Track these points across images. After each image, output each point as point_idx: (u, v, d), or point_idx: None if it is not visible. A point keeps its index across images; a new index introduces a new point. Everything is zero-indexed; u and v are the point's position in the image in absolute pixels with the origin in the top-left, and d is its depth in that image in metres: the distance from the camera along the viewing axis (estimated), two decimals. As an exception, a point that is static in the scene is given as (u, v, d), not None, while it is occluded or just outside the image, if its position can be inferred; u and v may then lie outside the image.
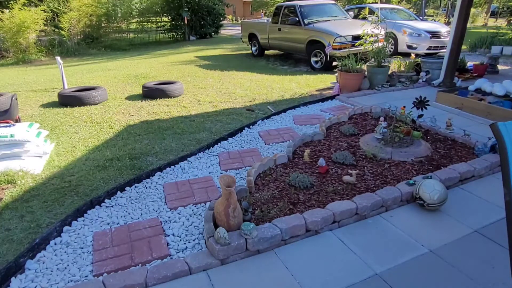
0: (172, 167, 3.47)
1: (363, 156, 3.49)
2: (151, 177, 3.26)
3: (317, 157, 3.44)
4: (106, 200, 2.86)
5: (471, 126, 4.32)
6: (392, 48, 10.26)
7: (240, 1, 41.43)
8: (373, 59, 6.56)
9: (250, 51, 11.82)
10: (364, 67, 6.56)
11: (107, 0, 15.58)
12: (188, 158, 3.64)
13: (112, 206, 2.80)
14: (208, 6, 18.36)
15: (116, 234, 2.44)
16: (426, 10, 29.33)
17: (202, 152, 3.80)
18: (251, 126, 4.61)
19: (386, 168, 3.25)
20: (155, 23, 19.72)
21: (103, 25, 16.34)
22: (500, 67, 7.96)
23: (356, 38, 7.71)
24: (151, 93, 6.17)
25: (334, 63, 8.28)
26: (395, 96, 5.85)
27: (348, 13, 10.50)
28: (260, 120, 4.79)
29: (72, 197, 2.98)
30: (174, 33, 18.70)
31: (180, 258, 2.18)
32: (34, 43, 12.51)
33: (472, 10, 19.79)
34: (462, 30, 5.98)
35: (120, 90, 6.91)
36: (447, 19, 19.80)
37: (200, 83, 7.37)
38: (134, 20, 19.00)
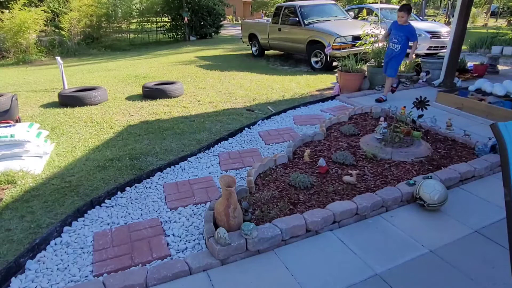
0: (172, 167, 3.47)
1: (363, 156, 3.48)
2: (151, 177, 3.26)
3: (317, 157, 3.44)
4: (106, 200, 2.86)
5: (471, 126, 4.32)
6: (392, 48, 10.24)
7: (241, 1, 41.44)
8: (373, 59, 6.56)
9: (250, 52, 11.82)
10: (364, 67, 6.56)
11: (107, 1, 15.59)
12: (188, 158, 3.64)
13: (112, 206, 2.80)
14: (208, 6, 18.37)
15: (116, 234, 2.44)
16: (426, 10, 29.32)
17: (202, 152, 3.80)
18: (251, 126, 4.61)
19: (386, 168, 3.25)
20: (155, 23, 19.74)
21: (103, 25, 16.34)
22: (500, 67, 7.97)
23: (356, 38, 7.72)
24: (151, 93, 6.18)
25: (334, 63, 8.29)
26: (395, 96, 5.85)
27: (348, 13, 10.50)
28: (260, 120, 4.79)
29: (72, 197, 2.98)
30: (174, 33, 18.71)
31: (180, 258, 2.18)
32: (35, 43, 12.51)
33: (472, 10, 19.79)
34: (462, 30, 5.99)
35: (120, 90, 6.91)
36: (447, 19, 19.80)
37: (200, 83, 7.37)
38: (134, 20, 19.01)
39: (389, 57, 5.37)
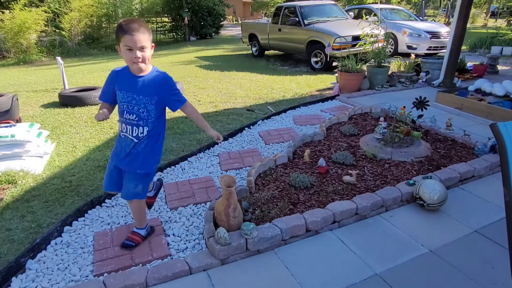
0: (173, 167, 3.47)
1: (363, 156, 3.49)
2: (151, 177, 3.26)
3: (317, 157, 3.45)
4: (106, 200, 2.86)
5: (471, 126, 4.32)
6: (392, 48, 10.27)
7: (241, 1, 41.45)
8: (373, 60, 6.56)
9: (250, 52, 11.83)
10: (364, 67, 6.56)
11: (108, 1, 15.61)
12: (189, 158, 3.65)
13: (113, 206, 2.81)
14: (209, 6, 18.40)
15: (117, 234, 2.44)
16: (426, 11, 29.34)
17: (202, 152, 3.80)
18: (251, 126, 4.61)
19: (386, 168, 3.26)
20: (155, 23, 19.75)
21: (103, 25, 16.38)
22: (499, 67, 7.97)
23: (356, 38, 7.73)
24: (152, 93, 6.17)
25: (334, 64, 8.29)
26: (395, 96, 5.85)
27: (348, 14, 10.52)
28: (260, 120, 4.79)
29: (73, 197, 2.98)
30: (174, 34, 18.74)
31: (181, 258, 2.18)
32: (35, 44, 12.53)
33: (472, 10, 19.80)
34: (462, 30, 5.99)
35: (120, 90, 6.91)
36: (447, 20, 19.81)
37: (200, 84, 7.38)
38: (135, 20, 19.00)
39: (126, 156, 2.20)
